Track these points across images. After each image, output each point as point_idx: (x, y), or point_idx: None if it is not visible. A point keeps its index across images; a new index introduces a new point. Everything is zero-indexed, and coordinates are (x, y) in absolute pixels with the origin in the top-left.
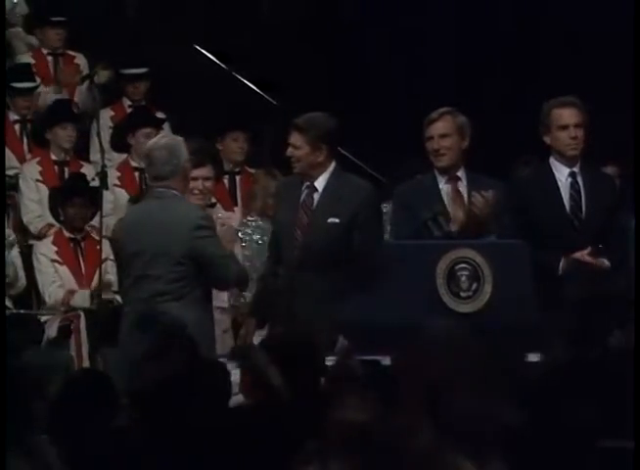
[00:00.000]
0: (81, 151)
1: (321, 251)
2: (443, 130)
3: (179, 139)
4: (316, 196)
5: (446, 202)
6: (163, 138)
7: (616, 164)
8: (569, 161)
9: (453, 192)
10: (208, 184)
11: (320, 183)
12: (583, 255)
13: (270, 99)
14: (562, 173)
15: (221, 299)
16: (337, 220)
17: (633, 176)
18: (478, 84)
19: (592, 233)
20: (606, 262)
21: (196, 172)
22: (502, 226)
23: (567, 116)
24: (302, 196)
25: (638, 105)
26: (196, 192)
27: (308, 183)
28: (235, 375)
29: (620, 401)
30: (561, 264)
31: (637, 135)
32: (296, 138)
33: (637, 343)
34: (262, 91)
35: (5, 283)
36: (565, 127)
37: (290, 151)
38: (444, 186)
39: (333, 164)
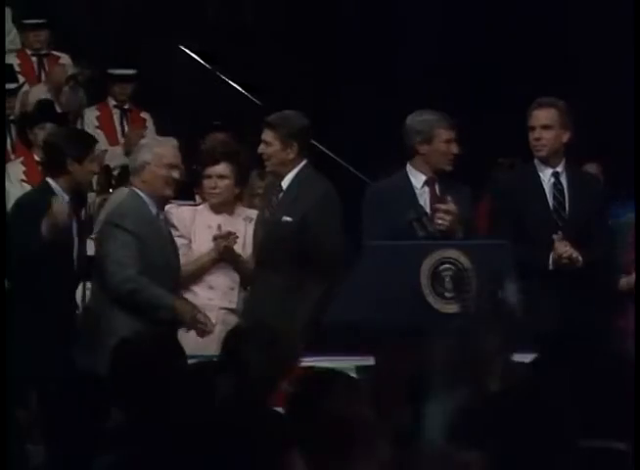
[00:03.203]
0: None
1: (273, 248)
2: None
3: (162, 140)
4: (281, 195)
5: (423, 204)
6: (148, 137)
7: (599, 162)
8: (546, 161)
9: (431, 195)
10: (223, 183)
11: (286, 182)
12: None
13: (255, 100)
14: (545, 173)
15: (228, 299)
16: (289, 219)
17: (634, 176)
18: (465, 85)
19: (575, 233)
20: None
21: (209, 170)
22: (472, 230)
23: (536, 117)
24: (271, 195)
25: (638, 102)
26: (209, 190)
27: (278, 183)
28: None
29: (619, 402)
30: (550, 259)
31: (637, 133)
32: (267, 135)
33: (637, 343)
34: (247, 92)
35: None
36: (532, 129)
37: (261, 147)
38: (423, 189)
39: (302, 163)
